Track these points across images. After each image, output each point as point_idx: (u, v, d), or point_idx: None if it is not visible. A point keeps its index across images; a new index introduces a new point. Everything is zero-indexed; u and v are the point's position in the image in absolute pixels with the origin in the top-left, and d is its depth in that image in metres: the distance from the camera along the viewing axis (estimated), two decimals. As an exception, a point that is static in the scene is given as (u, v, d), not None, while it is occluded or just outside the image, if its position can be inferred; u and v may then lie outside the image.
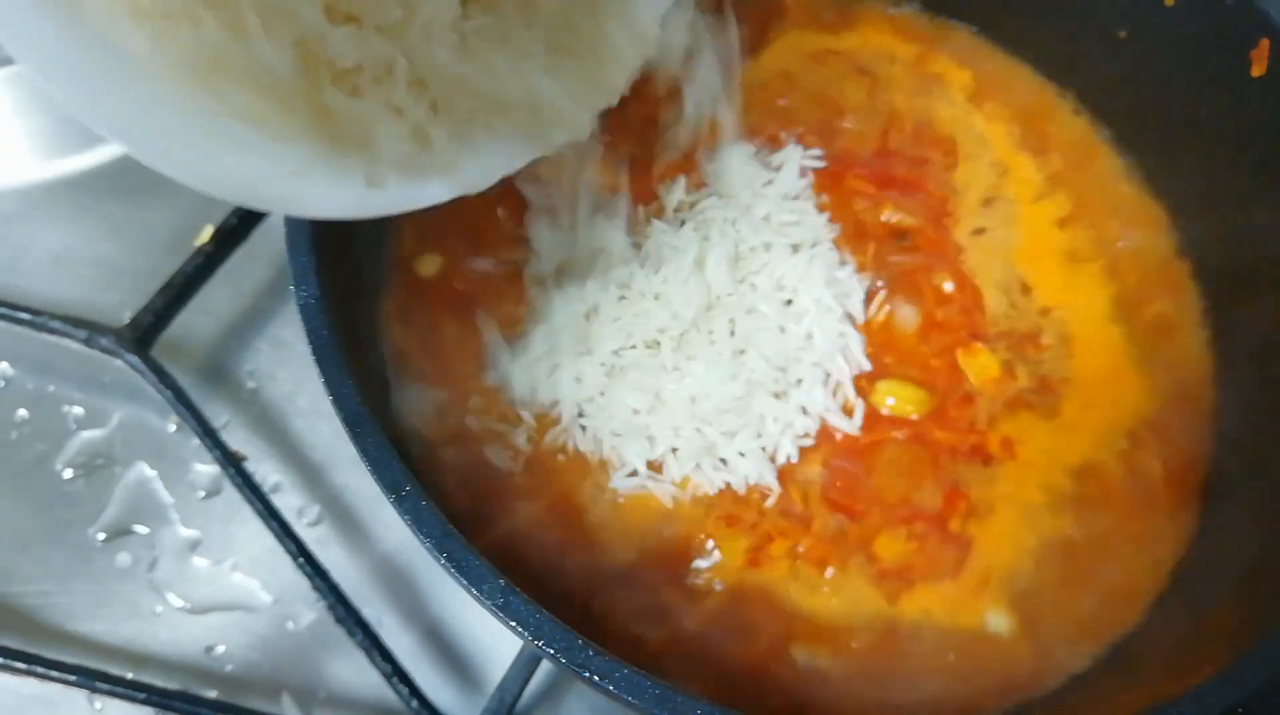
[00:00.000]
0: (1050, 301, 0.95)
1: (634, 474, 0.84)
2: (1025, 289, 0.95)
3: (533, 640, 0.59)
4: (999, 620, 0.82)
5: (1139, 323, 0.94)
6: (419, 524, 0.62)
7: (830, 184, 0.99)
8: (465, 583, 0.61)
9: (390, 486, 0.64)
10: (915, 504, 0.85)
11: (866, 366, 0.90)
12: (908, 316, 0.93)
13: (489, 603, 0.60)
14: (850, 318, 0.91)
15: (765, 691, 0.79)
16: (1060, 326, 0.94)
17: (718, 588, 0.82)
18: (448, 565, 0.61)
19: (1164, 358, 0.92)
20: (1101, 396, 0.91)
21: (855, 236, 0.96)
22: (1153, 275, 0.96)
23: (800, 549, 0.83)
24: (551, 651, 0.59)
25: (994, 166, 1.02)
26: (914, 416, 0.89)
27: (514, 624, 0.59)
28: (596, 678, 0.58)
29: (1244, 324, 0.91)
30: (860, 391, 0.89)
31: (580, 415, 0.86)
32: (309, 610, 0.92)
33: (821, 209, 0.96)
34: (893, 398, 0.89)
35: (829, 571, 0.83)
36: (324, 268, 0.72)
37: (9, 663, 0.84)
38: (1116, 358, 0.93)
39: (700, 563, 0.82)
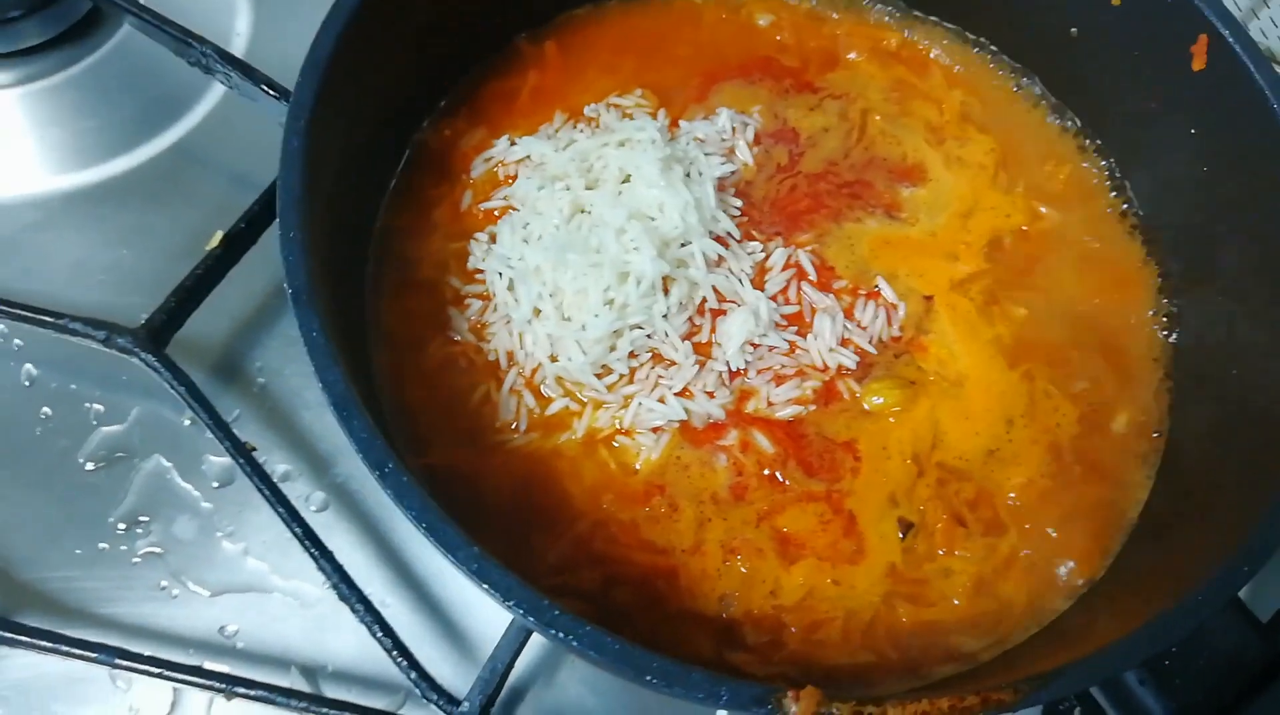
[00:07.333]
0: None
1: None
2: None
3: (504, 601, 0.64)
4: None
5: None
6: (400, 497, 0.67)
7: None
8: (442, 550, 0.66)
9: (375, 464, 0.68)
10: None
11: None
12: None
13: (464, 568, 0.65)
14: None
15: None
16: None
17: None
18: (427, 534, 0.66)
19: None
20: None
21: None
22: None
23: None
24: (521, 612, 0.63)
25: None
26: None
27: (486, 586, 0.64)
28: (561, 634, 0.63)
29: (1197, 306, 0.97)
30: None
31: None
32: (316, 590, 0.97)
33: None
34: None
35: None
36: (314, 260, 0.77)
37: (36, 642, 0.90)
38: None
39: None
